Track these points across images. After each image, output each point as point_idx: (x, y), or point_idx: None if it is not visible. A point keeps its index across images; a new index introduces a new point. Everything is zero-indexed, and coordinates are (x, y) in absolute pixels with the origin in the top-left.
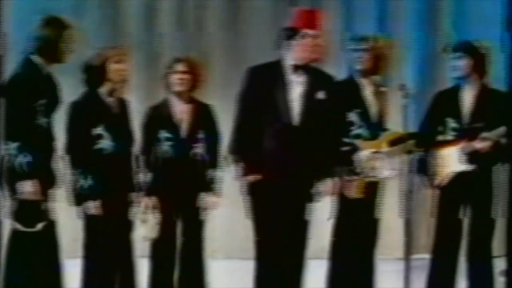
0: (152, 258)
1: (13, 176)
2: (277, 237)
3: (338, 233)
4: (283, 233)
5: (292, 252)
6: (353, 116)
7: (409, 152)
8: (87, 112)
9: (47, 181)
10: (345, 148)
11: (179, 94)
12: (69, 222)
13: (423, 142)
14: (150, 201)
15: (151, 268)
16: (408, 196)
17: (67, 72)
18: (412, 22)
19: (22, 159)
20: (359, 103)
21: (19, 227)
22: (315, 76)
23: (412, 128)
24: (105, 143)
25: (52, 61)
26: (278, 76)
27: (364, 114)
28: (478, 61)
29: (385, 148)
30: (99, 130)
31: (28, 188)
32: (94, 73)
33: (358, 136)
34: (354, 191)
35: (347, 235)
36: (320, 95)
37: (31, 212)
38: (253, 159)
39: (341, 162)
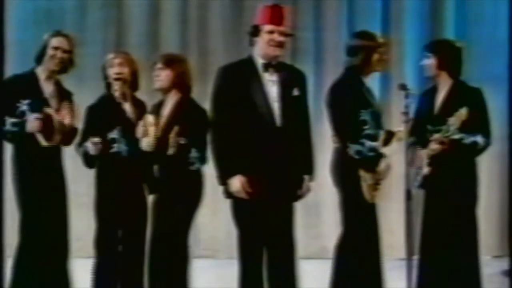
0: None
1: None
2: (264, 239)
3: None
4: (268, 235)
5: (281, 252)
6: (365, 115)
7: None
8: (102, 115)
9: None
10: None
11: (161, 91)
12: (71, 222)
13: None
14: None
15: None
16: (409, 196)
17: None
18: (412, 22)
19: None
20: (367, 102)
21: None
22: (288, 73)
23: None
24: (120, 147)
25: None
26: (252, 75)
27: (374, 114)
28: (447, 60)
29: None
30: (114, 134)
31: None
32: (103, 79)
33: (369, 136)
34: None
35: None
36: (295, 91)
37: None
38: (235, 162)
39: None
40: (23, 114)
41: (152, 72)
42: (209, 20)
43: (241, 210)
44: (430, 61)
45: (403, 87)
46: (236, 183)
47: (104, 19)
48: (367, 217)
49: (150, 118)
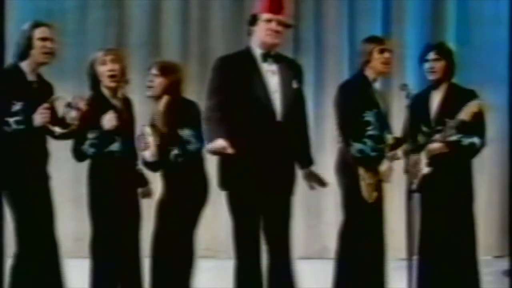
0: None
1: None
2: (260, 232)
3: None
4: (264, 229)
5: (278, 250)
6: (370, 116)
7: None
8: (94, 115)
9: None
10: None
11: (152, 98)
12: (71, 223)
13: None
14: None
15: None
16: (410, 196)
17: (68, 73)
18: (413, 22)
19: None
20: (373, 104)
21: None
22: (287, 64)
23: None
24: (114, 146)
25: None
26: (251, 65)
27: (379, 115)
28: (450, 63)
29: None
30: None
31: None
32: (88, 77)
33: (372, 137)
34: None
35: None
36: (294, 84)
37: None
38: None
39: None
40: (22, 112)
41: (146, 77)
42: (210, 20)
43: (237, 201)
44: (440, 64)
45: (404, 87)
46: (220, 141)
47: (105, 19)
48: (367, 217)
49: (147, 129)
